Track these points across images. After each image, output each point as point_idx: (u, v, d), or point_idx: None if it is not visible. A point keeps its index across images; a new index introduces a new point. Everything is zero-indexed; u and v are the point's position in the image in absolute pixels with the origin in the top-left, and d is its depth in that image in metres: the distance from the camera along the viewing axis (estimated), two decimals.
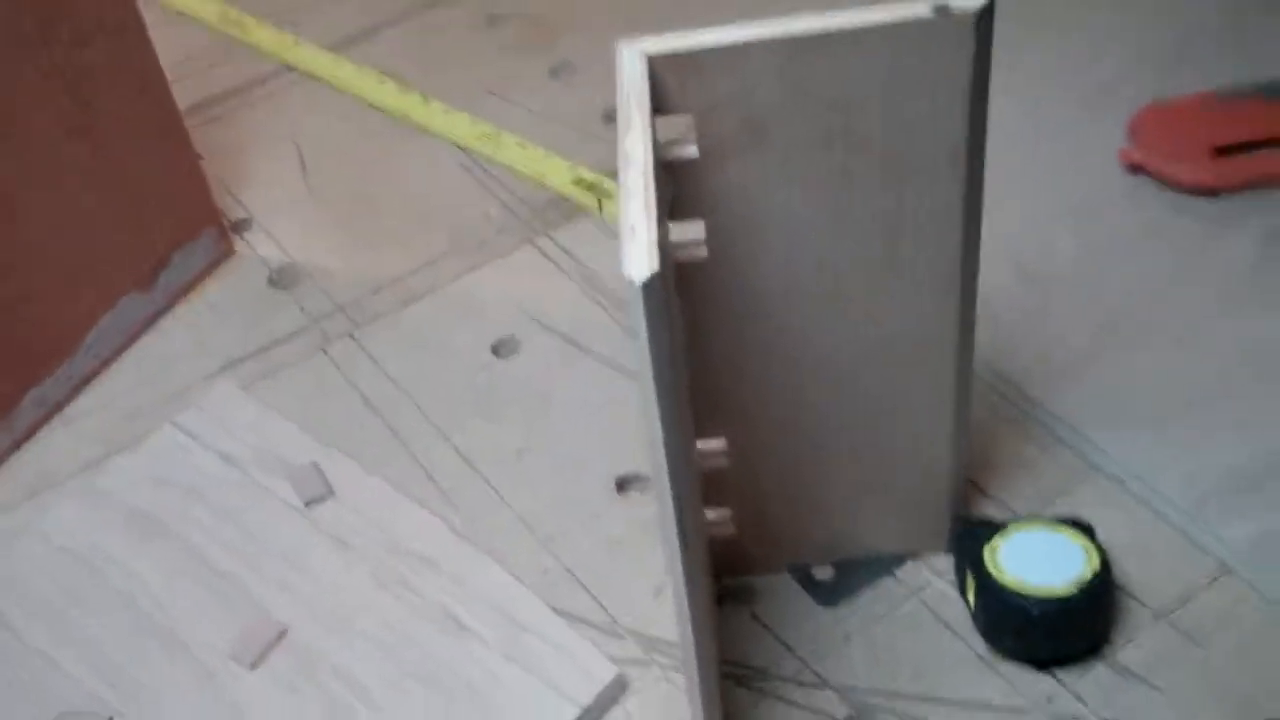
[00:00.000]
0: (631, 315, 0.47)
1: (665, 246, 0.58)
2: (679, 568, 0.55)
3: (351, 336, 0.86)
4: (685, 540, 0.54)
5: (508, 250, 0.90)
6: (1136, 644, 0.69)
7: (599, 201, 0.91)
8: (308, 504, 0.76)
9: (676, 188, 0.58)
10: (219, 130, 1.00)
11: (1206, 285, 0.82)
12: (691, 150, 0.57)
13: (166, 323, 0.88)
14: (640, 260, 0.46)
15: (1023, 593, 0.67)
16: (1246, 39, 0.96)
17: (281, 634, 0.71)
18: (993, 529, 0.70)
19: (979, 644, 0.70)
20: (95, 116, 0.81)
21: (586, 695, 0.67)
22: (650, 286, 0.46)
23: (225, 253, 0.91)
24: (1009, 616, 0.67)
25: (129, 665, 0.70)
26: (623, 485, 0.77)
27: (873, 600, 0.72)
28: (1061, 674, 0.68)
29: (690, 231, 0.60)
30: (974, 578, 0.69)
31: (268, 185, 0.97)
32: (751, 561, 0.73)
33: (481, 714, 0.67)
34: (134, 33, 0.81)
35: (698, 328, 0.62)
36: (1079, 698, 0.67)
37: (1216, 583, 0.71)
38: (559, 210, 0.92)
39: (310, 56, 1.04)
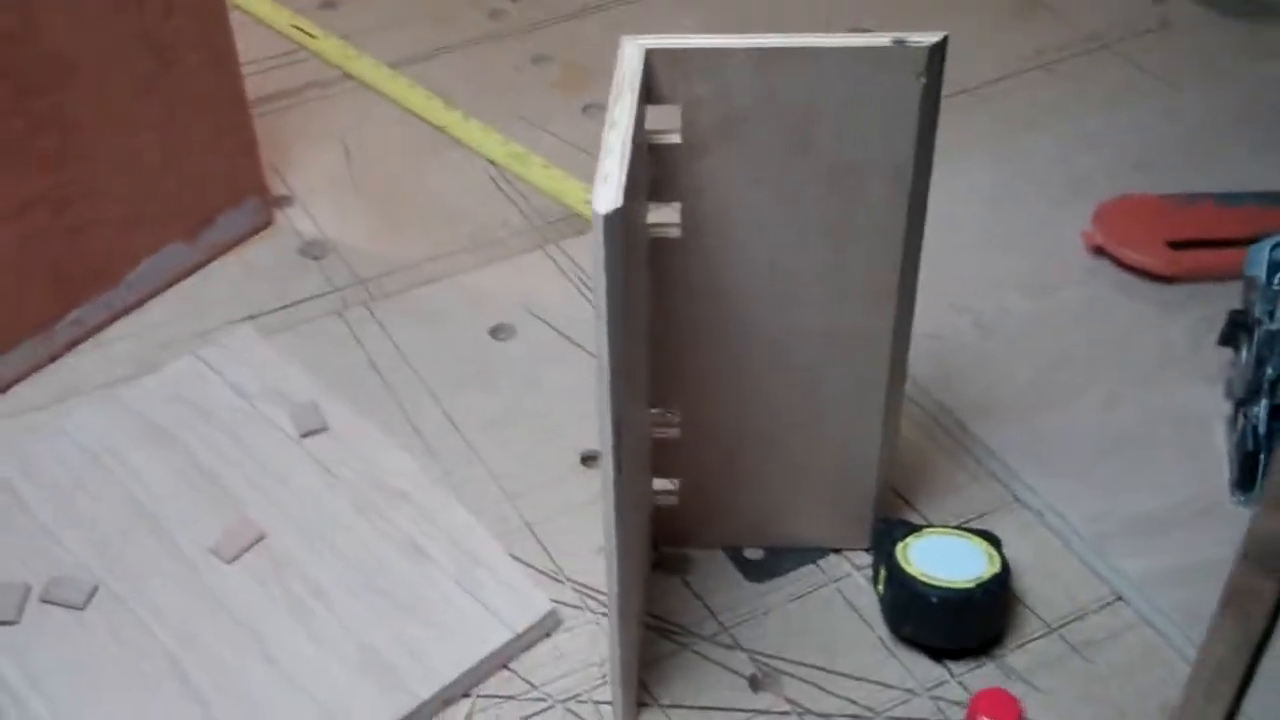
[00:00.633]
0: (593, 245, 0.56)
1: (643, 219, 0.67)
2: (609, 470, 0.62)
3: (366, 306, 0.95)
4: (619, 464, 0.62)
5: (518, 253, 0.99)
6: (1026, 650, 0.76)
7: None
8: (303, 435, 0.85)
9: (659, 170, 0.67)
10: (276, 121, 1.10)
11: (1141, 357, 0.90)
12: (675, 137, 0.66)
13: (205, 273, 0.98)
14: (606, 197, 0.55)
15: (925, 583, 0.74)
16: (1206, 153, 1.05)
17: (260, 538, 0.79)
18: (909, 529, 0.77)
19: (884, 631, 0.77)
20: (170, 80, 0.91)
21: (521, 623, 0.75)
22: (611, 218, 0.55)
23: (265, 222, 1.01)
24: (911, 603, 0.75)
25: (119, 546, 0.79)
26: (588, 460, 0.85)
27: (795, 582, 0.80)
28: (953, 665, 0.75)
29: (667, 213, 0.68)
30: (885, 569, 0.76)
31: (312, 171, 1.06)
32: (690, 534, 0.81)
33: (426, 626, 0.75)
34: (215, 12, 0.91)
35: (664, 302, 0.71)
36: (965, 687, 0.74)
37: (1108, 607, 0.78)
38: (571, 225, 1.01)
39: (368, 68, 1.15)
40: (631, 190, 0.58)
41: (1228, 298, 0.88)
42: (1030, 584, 0.79)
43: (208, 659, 0.73)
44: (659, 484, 0.79)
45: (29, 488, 0.82)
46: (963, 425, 0.86)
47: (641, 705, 0.74)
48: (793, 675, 0.75)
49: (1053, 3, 1.23)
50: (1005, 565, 0.75)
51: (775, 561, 0.81)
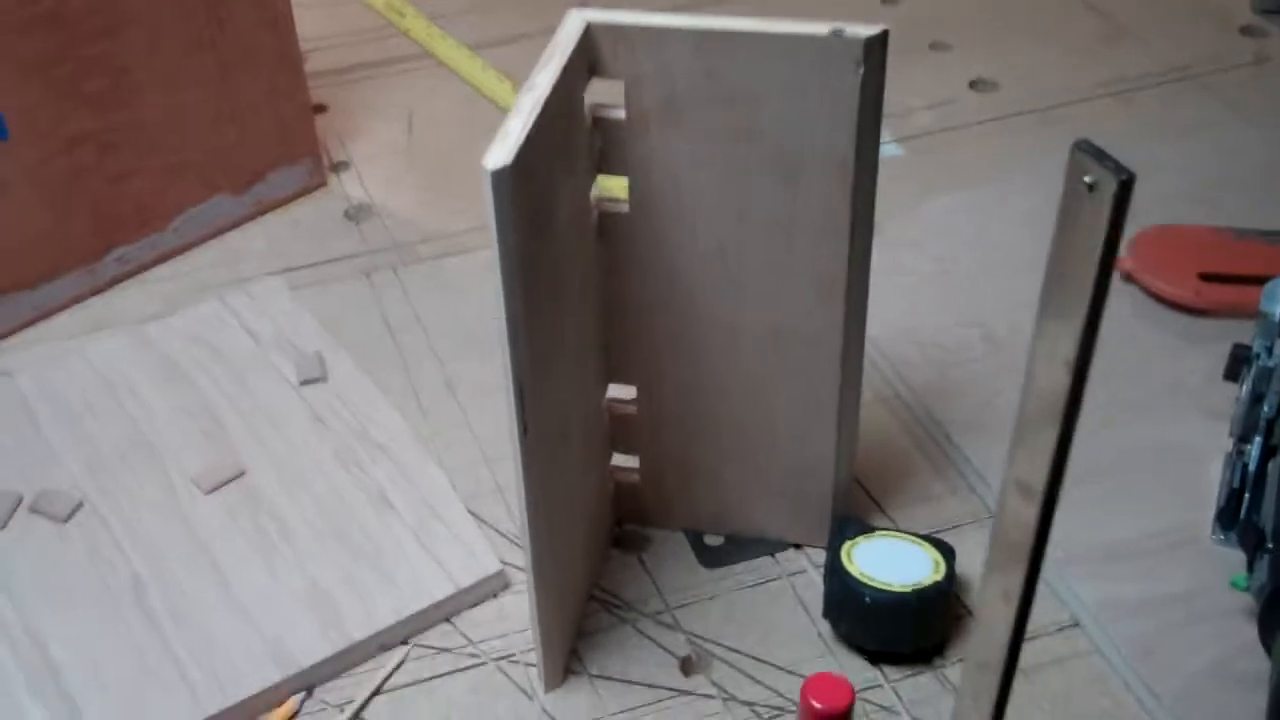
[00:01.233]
0: (485, 200, 0.58)
1: (583, 189, 0.68)
2: (519, 456, 0.64)
3: (393, 270, 0.99)
4: (524, 425, 0.63)
5: None
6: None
7: None
8: (302, 383, 0.88)
9: (605, 143, 0.68)
10: (351, 90, 1.15)
11: (1150, 386, 0.88)
12: (619, 113, 0.67)
13: (251, 226, 1.02)
14: (499, 154, 0.57)
15: (862, 582, 0.74)
16: (1271, 190, 1.02)
17: (240, 473, 0.82)
18: (863, 529, 0.77)
19: (826, 629, 0.77)
20: (225, 37, 0.95)
21: (467, 579, 0.77)
22: (499, 174, 0.56)
23: (317, 183, 1.05)
24: (847, 602, 0.75)
25: (112, 468, 0.83)
26: None
27: (748, 572, 0.80)
28: (889, 670, 0.75)
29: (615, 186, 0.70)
30: (829, 565, 0.76)
31: (373, 141, 1.10)
32: (653, 515, 0.82)
33: (375, 572, 0.77)
34: None
35: (618, 275, 0.72)
36: (896, 693, 0.74)
37: (1062, 632, 0.77)
38: None
39: (449, 48, 1.18)
40: (540, 152, 0.60)
41: None
42: None
43: (168, 581, 0.77)
44: (624, 461, 0.81)
45: (43, 406, 0.87)
46: (948, 436, 0.86)
47: (570, 672, 0.75)
48: (725, 661, 0.75)
49: (1142, 33, 1.21)
50: (950, 575, 0.75)
51: (733, 550, 0.81)
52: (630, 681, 0.75)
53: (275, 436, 0.85)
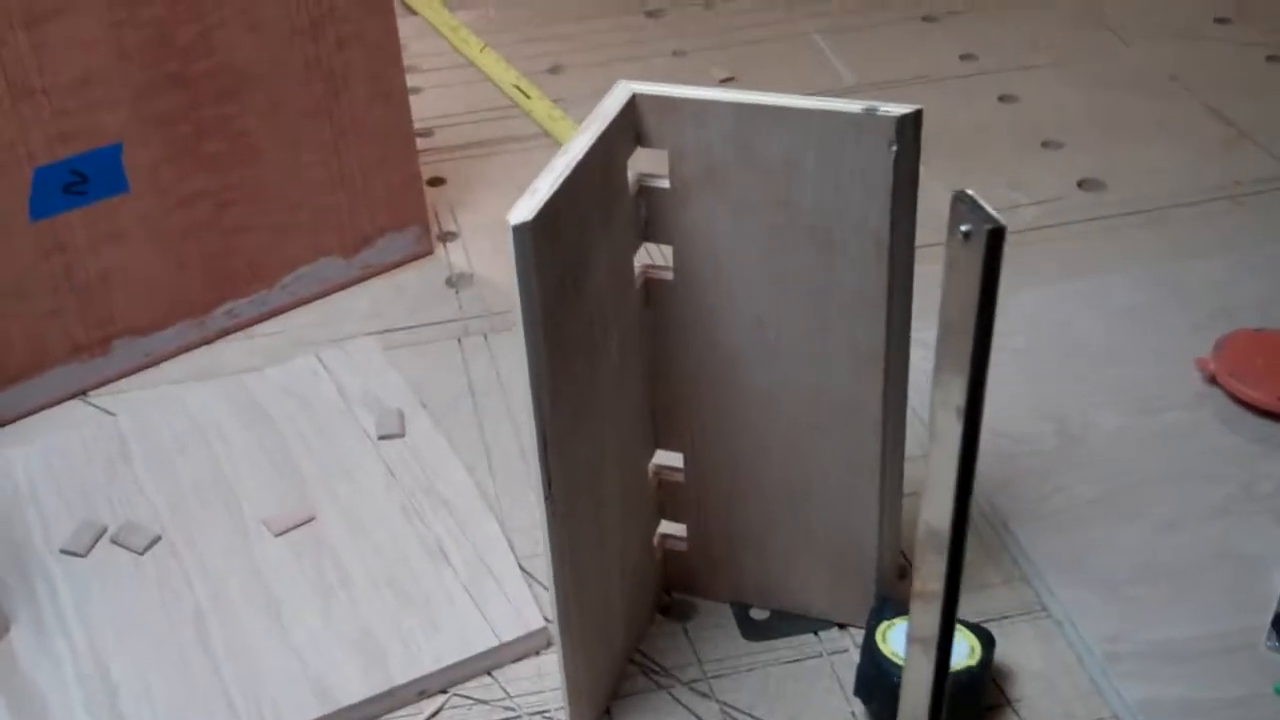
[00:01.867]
0: (509, 255, 0.61)
1: (628, 255, 0.71)
2: (543, 509, 0.66)
3: (484, 336, 1.02)
4: (548, 480, 0.65)
5: None
6: None
7: None
8: (380, 437, 0.92)
9: (650, 211, 0.70)
10: (469, 165, 1.20)
11: (1220, 490, 0.86)
12: (664, 182, 0.70)
13: (355, 289, 1.07)
14: (522, 210, 0.60)
15: (894, 662, 0.74)
16: None
17: (310, 519, 0.86)
18: (901, 609, 0.77)
19: (860, 708, 0.77)
20: (340, 106, 1.01)
21: (510, 633, 0.79)
22: (520, 229, 0.59)
23: (424, 251, 1.09)
24: (878, 682, 0.74)
25: (191, 505, 0.87)
26: None
27: (788, 647, 0.80)
28: None
29: (661, 255, 0.72)
30: (864, 644, 0.76)
31: (482, 212, 1.15)
32: (700, 584, 0.83)
33: (423, 620, 0.80)
34: (388, 51, 1.01)
35: (663, 342, 0.74)
36: None
37: None
38: None
39: (567, 130, 1.23)
40: (570, 212, 0.62)
41: None
42: (1028, 691, 0.77)
43: (227, 615, 0.81)
44: (672, 529, 0.82)
45: (138, 445, 0.92)
46: (1006, 525, 0.85)
47: None
48: None
49: (1261, 138, 1.19)
50: (985, 662, 0.74)
51: (777, 625, 0.81)
52: None
53: (347, 486, 0.88)
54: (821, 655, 0.80)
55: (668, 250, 0.72)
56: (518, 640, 0.79)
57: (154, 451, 0.92)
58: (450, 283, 1.08)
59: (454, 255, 1.10)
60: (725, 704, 0.77)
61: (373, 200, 1.05)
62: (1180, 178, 1.15)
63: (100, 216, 0.94)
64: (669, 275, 0.72)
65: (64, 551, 0.85)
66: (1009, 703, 0.77)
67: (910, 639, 0.60)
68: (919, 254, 0.70)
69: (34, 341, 0.95)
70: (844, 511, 0.77)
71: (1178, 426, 0.91)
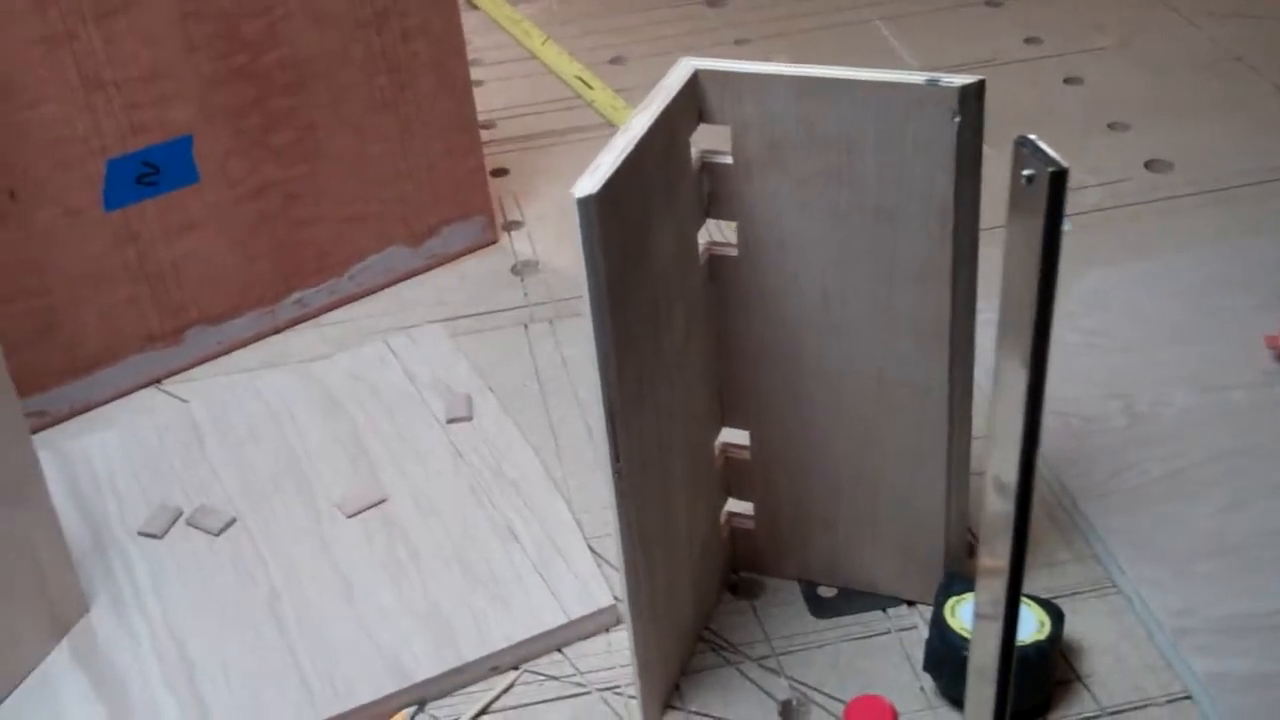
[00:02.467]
0: (575, 229, 0.61)
1: (691, 231, 0.71)
2: (613, 483, 0.67)
3: (549, 322, 1.03)
4: (616, 452, 0.66)
5: None
6: None
7: None
8: (449, 421, 0.93)
9: (714, 187, 0.71)
10: (533, 156, 1.21)
11: None
12: (727, 158, 0.70)
13: (422, 278, 1.08)
14: (586, 184, 0.60)
15: (963, 637, 0.74)
16: None
17: (382, 500, 0.87)
18: (970, 585, 0.77)
19: (929, 683, 0.77)
20: (405, 99, 1.02)
21: (579, 610, 0.80)
22: (585, 202, 0.60)
23: (489, 240, 1.10)
24: (947, 657, 0.74)
25: (265, 490, 0.89)
26: None
27: (857, 624, 0.80)
28: None
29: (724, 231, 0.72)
30: (933, 620, 0.76)
31: (546, 202, 1.16)
32: (768, 563, 0.83)
33: (493, 598, 0.80)
34: (452, 43, 1.02)
35: (728, 318, 0.75)
36: None
37: (1173, 703, 0.75)
38: None
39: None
40: (632, 187, 0.63)
41: None
42: (1098, 665, 0.77)
43: (300, 594, 0.82)
44: (739, 507, 0.82)
45: (212, 431, 0.94)
46: (1075, 503, 0.85)
47: (671, 707, 0.76)
48: (823, 708, 0.76)
49: None
50: (1054, 637, 0.74)
51: (845, 602, 0.82)
52: None
53: (417, 469, 0.89)
54: (890, 632, 0.80)
55: (731, 226, 0.73)
56: (587, 617, 0.80)
57: (227, 437, 0.93)
58: (515, 270, 1.09)
59: (518, 244, 1.11)
60: (794, 680, 0.77)
61: (438, 191, 1.06)
62: (1246, 157, 1.14)
63: (172, 207, 0.96)
64: (733, 251, 0.73)
65: (141, 534, 0.86)
66: (1079, 678, 0.76)
67: (977, 613, 0.60)
68: (986, 236, 0.70)
69: (110, 330, 0.97)
70: (911, 488, 0.77)
71: (1246, 404, 0.90)
